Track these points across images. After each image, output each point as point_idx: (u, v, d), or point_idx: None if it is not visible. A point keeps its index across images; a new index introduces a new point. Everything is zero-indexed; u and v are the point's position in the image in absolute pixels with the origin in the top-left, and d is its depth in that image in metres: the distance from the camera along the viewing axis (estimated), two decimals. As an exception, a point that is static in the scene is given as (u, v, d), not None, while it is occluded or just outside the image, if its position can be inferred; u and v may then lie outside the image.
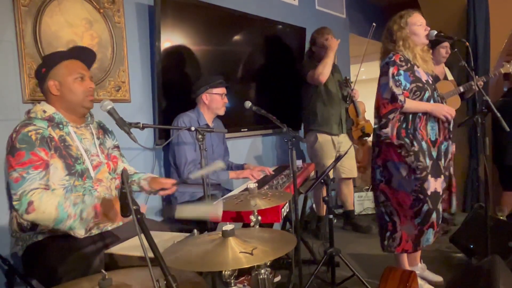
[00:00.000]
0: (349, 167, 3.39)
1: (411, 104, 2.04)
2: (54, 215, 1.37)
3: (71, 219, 1.39)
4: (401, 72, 2.04)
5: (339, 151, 3.29)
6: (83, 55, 1.66)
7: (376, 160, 2.18)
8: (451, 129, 2.16)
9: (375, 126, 2.14)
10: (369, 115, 3.50)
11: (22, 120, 1.55)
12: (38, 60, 1.99)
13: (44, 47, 2.00)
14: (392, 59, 2.06)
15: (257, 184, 1.59)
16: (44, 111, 1.55)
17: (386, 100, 2.06)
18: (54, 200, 1.38)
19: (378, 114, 2.11)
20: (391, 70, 2.04)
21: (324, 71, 3.07)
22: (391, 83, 2.04)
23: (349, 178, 3.47)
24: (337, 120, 3.27)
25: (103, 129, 1.80)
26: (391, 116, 2.05)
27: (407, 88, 2.05)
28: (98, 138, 1.71)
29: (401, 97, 2.02)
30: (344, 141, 3.33)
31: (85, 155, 1.59)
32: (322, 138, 3.26)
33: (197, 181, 1.80)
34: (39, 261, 1.48)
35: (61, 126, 1.56)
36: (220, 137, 2.59)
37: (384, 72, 2.08)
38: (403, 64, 2.05)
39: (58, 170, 1.49)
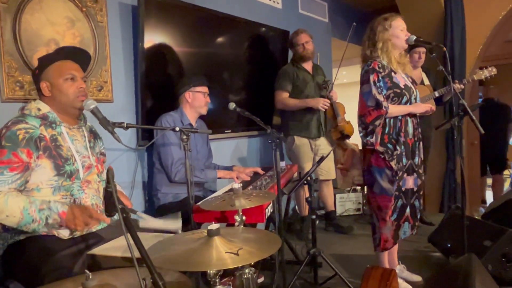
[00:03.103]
0: (327, 169, 3.43)
1: (394, 109, 2.10)
2: (18, 218, 1.35)
3: (36, 223, 1.37)
4: (381, 78, 2.10)
5: (317, 154, 3.33)
6: (76, 56, 1.65)
7: (363, 164, 2.25)
8: (420, 130, 2.25)
9: (361, 134, 2.16)
10: (350, 117, 3.57)
11: (15, 116, 1.53)
12: (17, 59, 1.95)
13: (24, 45, 1.96)
14: (371, 66, 2.10)
15: (241, 185, 1.60)
16: (39, 109, 1.53)
17: (371, 108, 2.09)
18: (20, 203, 1.36)
19: (363, 122, 2.13)
20: (372, 77, 2.09)
21: (285, 107, 3.28)
22: (374, 90, 2.07)
23: (328, 180, 3.52)
24: (316, 123, 3.31)
25: (94, 134, 1.79)
26: (377, 123, 2.09)
27: (383, 95, 2.10)
28: (89, 141, 1.70)
29: (385, 104, 2.07)
30: (322, 144, 3.37)
31: (77, 155, 1.58)
32: (300, 141, 3.31)
33: (185, 180, 1.80)
34: (19, 261, 1.44)
35: (53, 125, 1.55)
36: (204, 138, 2.58)
37: (365, 80, 2.12)
38: (381, 70, 2.11)
39: (47, 170, 1.48)
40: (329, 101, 3.17)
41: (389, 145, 2.11)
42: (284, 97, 3.26)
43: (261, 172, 2.56)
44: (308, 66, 3.35)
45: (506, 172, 5.13)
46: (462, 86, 3.10)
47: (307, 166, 3.20)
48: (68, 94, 1.57)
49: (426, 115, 2.46)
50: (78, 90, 1.58)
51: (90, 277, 0.91)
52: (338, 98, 3.49)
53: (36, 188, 1.47)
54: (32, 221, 1.36)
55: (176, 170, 2.24)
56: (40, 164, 1.47)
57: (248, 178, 2.45)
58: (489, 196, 5.00)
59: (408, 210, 2.20)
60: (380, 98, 2.07)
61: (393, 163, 2.09)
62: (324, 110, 3.20)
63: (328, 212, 3.63)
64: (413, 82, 2.27)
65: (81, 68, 1.66)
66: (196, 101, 2.39)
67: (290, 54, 3.88)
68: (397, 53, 2.17)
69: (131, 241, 0.83)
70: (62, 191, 1.51)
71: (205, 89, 2.41)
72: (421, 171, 2.25)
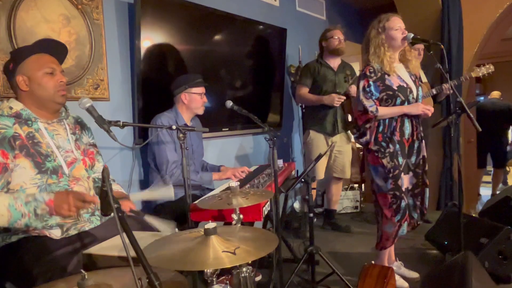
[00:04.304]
0: (341, 167, 3.41)
1: (386, 111, 2.14)
2: (7, 216, 1.32)
3: (26, 218, 1.34)
4: (371, 83, 2.14)
5: (333, 151, 3.33)
6: (53, 49, 1.59)
7: (365, 163, 2.29)
8: (421, 129, 2.26)
9: (354, 136, 2.27)
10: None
11: None
12: (12, 56, 1.93)
13: (19, 43, 1.94)
14: (363, 72, 2.18)
15: (239, 183, 1.59)
16: (11, 108, 1.49)
17: (360, 112, 2.20)
18: (5, 202, 1.33)
19: (356, 125, 2.25)
20: (362, 83, 2.16)
21: (302, 102, 3.49)
22: (361, 96, 2.16)
23: (340, 179, 3.50)
24: (332, 120, 3.29)
25: (80, 125, 1.74)
26: (367, 126, 2.18)
27: (377, 98, 2.14)
28: (73, 134, 1.65)
29: (372, 108, 2.12)
30: (339, 141, 3.36)
31: (57, 151, 1.53)
32: (315, 135, 3.32)
33: (179, 182, 1.79)
34: (13, 262, 1.42)
35: (29, 122, 1.50)
36: (199, 137, 2.57)
37: (357, 86, 2.21)
38: (372, 75, 2.14)
39: (27, 170, 1.44)
40: (344, 97, 3.17)
41: (383, 143, 2.15)
42: (303, 92, 3.30)
43: (248, 170, 2.55)
44: (334, 62, 3.33)
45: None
46: (455, 83, 3.11)
47: (320, 161, 3.18)
48: (48, 88, 1.52)
49: None
50: (59, 84, 1.54)
51: (86, 277, 0.90)
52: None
53: (21, 189, 1.44)
54: (21, 216, 1.33)
55: (171, 174, 2.23)
56: (18, 164, 1.42)
57: (243, 176, 2.44)
58: (483, 191, 5.17)
59: (407, 209, 2.21)
60: (367, 103, 2.13)
61: (385, 161, 2.12)
62: (338, 105, 3.20)
63: (329, 210, 3.62)
64: (416, 80, 2.27)
65: (58, 61, 1.60)
66: (193, 102, 2.36)
67: (290, 51, 3.89)
68: (394, 54, 2.19)
69: (127, 241, 0.82)
70: (48, 191, 1.47)
71: (201, 89, 2.38)
72: (418, 170, 2.24)
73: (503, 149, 5.10)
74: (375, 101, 2.13)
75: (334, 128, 3.31)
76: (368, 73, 2.14)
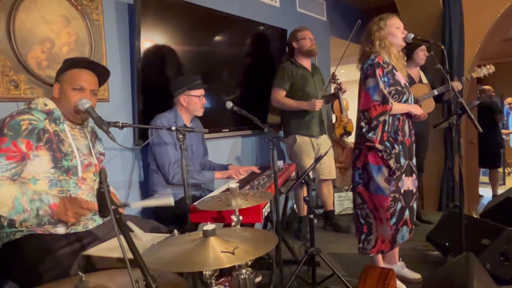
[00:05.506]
0: (328, 168, 3.39)
1: (397, 107, 2.08)
2: (9, 207, 1.36)
3: (26, 213, 1.39)
4: (385, 73, 2.07)
5: (319, 153, 3.31)
6: (95, 68, 1.68)
7: (356, 162, 2.21)
8: (413, 132, 2.24)
9: (363, 130, 2.10)
10: (351, 114, 3.55)
11: (21, 108, 1.57)
12: (12, 57, 1.93)
13: (19, 44, 1.94)
14: (376, 61, 2.06)
15: (238, 184, 1.58)
16: (45, 104, 1.58)
17: (377, 102, 2.04)
18: (12, 193, 1.37)
19: (366, 117, 2.08)
20: (378, 71, 2.04)
21: (281, 106, 3.26)
22: (381, 85, 2.03)
23: (329, 179, 3.49)
24: (318, 121, 3.25)
25: (94, 134, 1.83)
26: (381, 119, 2.04)
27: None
28: (90, 141, 1.74)
29: (391, 99, 2.04)
30: (323, 143, 3.33)
31: (77, 152, 1.61)
32: (301, 139, 3.24)
33: (180, 182, 1.78)
34: (15, 260, 1.45)
35: (57, 121, 1.58)
36: (199, 138, 2.57)
37: (370, 74, 2.06)
38: (385, 66, 2.08)
39: (44, 162, 1.50)
40: (322, 101, 3.13)
41: (387, 144, 2.09)
42: (280, 96, 3.22)
43: (256, 171, 2.54)
44: (307, 63, 3.30)
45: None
46: (461, 87, 3.10)
47: (309, 165, 3.17)
48: (71, 102, 1.60)
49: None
50: None
51: (83, 279, 0.90)
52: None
53: (33, 178, 1.49)
54: (22, 211, 1.38)
55: (174, 172, 2.23)
56: (38, 155, 1.49)
57: (245, 175, 2.44)
58: (484, 192, 5.16)
59: (407, 212, 2.16)
60: (386, 93, 2.05)
61: (391, 162, 2.07)
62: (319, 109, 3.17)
63: (327, 211, 3.61)
64: (412, 81, 2.27)
65: (99, 81, 1.70)
66: (191, 105, 2.36)
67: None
68: (395, 50, 2.16)
69: (124, 243, 0.82)
70: (58, 186, 1.53)
71: (201, 91, 2.38)
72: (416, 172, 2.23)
73: (491, 148, 4.93)
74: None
75: (321, 130, 3.28)
76: (382, 63, 2.06)
